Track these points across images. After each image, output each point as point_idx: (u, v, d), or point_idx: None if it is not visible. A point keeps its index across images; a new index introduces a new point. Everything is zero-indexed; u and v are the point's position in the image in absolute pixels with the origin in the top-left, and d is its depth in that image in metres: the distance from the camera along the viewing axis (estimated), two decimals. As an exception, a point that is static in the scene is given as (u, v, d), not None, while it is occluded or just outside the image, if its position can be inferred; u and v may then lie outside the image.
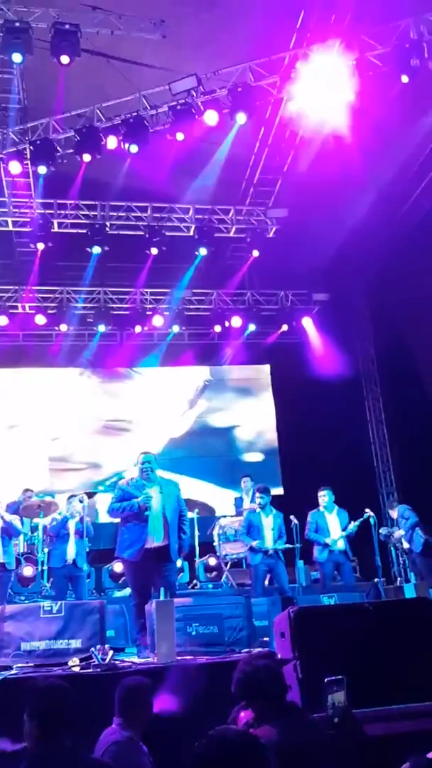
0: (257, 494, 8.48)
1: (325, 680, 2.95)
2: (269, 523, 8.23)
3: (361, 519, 8.42)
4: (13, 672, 4.66)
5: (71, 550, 7.89)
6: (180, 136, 9.42)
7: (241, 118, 9.22)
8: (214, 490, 12.43)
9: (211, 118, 9.27)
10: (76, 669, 4.69)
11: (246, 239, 11.77)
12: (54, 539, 8.13)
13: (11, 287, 12.15)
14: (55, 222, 11.22)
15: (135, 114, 9.48)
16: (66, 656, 4.85)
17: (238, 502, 10.32)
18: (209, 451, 12.91)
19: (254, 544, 8.14)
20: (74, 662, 4.75)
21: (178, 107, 9.35)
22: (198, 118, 9.34)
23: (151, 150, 9.56)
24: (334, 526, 8.45)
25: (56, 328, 12.46)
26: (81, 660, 4.79)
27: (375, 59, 8.72)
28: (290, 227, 11.61)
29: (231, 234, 11.88)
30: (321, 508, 8.53)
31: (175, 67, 9.15)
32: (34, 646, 4.90)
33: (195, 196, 11.08)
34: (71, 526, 8.01)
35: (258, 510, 8.39)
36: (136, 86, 9.46)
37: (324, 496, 8.54)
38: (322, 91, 8.87)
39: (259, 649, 4.19)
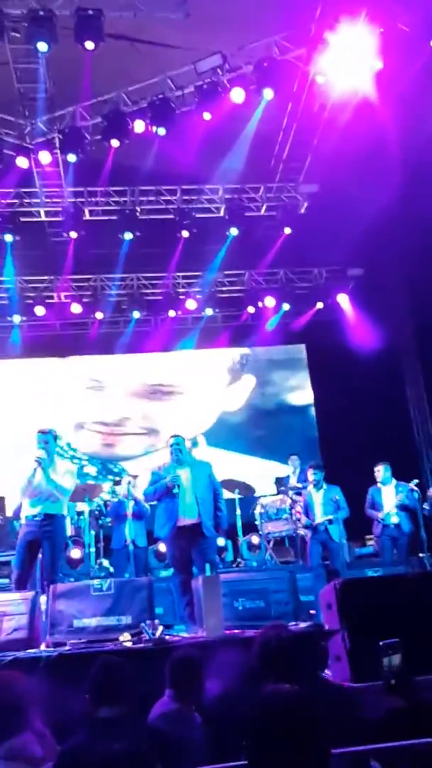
0: (310, 471, 8.48)
1: (381, 643, 2.97)
2: (319, 498, 8.26)
3: (407, 491, 8.37)
4: (67, 648, 4.78)
5: (129, 531, 8.16)
6: (207, 116, 9.39)
7: (268, 93, 9.14)
8: (259, 468, 12.43)
9: (237, 95, 9.21)
10: (128, 644, 4.78)
11: (277, 217, 11.68)
12: (113, 521, 8.40)
13: (46, 277, 12.30)
14: (86, 210, 11.31)
15: (161, 96, 9.48)
16: (117, 632, 4.94)
17: (285, 480, 10.32)
18: (255, 430, 12.92)
19: (304, 520, 8.23)
20: (125, 637, 4.85)
21: (204, 86, 9.31)
22: (224, 97, 9.29)
23: (179, 132, 9.55)
24: (388, 501, 8.42)
25: (92, 316, 12.58)
26: (132, 635, 4.88)
27: (403, 26, 8.54)
28: (322, 202, 11.48)
29: (262, 212, 11.80)
30: (378, 484, 8.52)
31: (200, 46, 9.10)
32: (86, 623, 5.01)
33: (224, 176, 11.03)
34: (128, 507, 8.28)
35: (310, 488, 8.43)
36: (161, 68, 9.45)
37: (378, 471, 8.51)
38: (350, 61, 8.73)
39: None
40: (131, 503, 8.29)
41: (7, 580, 7.79)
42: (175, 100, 9.58)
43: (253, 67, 9.21)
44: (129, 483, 8.59)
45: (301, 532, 9.02)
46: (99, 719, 2.83)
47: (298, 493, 9.36)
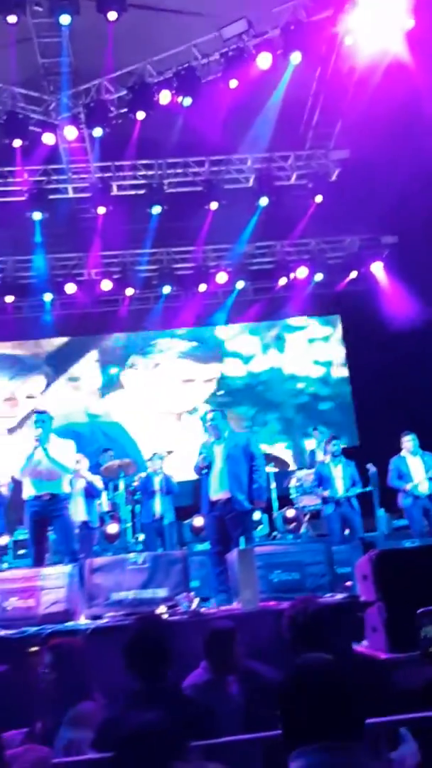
0: (331, 442, 8.42)
1: (417, 612, 2.93)
2: (339, 472, 8.20)
3: None
4: (105, 620, 4.84)
5: (158, 506, 8.19)
6: (233, 83, 9.21)
7: (295, 57, 8.91)
8: (289, 443, 12.42)
9: (264, 60, 9.00)
10: (164, 617, 4.82)
11: (308, 185, 11.43)
12: (142, 496, 8.44)
13: (75, 255, 12.28)
14: (114, 185, 11.22)
15: (186, 65, 9.32)
16: (153, 605, 4.98)
17: (311, 454, 10.27)
18: (283, 403, 12.86)
19: (325, 494, 8.16)
20: (162, 610, 4.89)
21: (230, 53, 9.12)
22: (251, 63, 9.08)
23: (205, 101, 9.41)
24: (417, 471, 8.29)
25: (122, 292, 12.56)
26: (168, 608, 4.92)
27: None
28: (353, 169, 11.19)
29: (292, 181, 11.57)
30: (403, 454, 8.40)
31: (224, 12, 8.88)
32: (123, 595, 5.06)
33: (252, 145, 10.82)
34: (156, 482, 8.28)
35: (327, 461, 8.36)
36: (186, 36, 9.26)
37: (408, 441, 8.38)
38: (380, 20, 8.44)
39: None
40: (158, 478, 8.26)
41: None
42: (201, 69, 9.41)
43: (280, 31, 8.97)
44: (156, 456, 8.56)
45: (313, 502, 9.01)
46: (136, 690, 2.86)
47: (311, 466, 9.34)
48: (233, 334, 13.31)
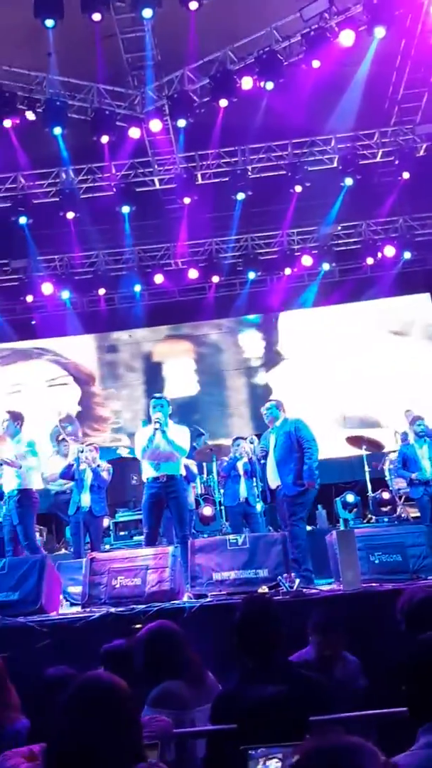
0: (415, 423, 8.27)
1: None
2: (425, 453, 8.04)
3: None
4: (208, 599, 5.02)
5: (243, 490, 8.25)
6: (316, 64, 9.11)
7: (379, 32, 8.71)
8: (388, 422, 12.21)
9: (347, 38, 8.85)
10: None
11: (394, 162, 11.17)
12: (226, 480, 8.54)
13: (163, 245, 12.53)
14: (198, 174, 11.35)
15: (267, 49, 9.28)
16: (255, 585, 5.12)
17: (404, 435, 10.11)
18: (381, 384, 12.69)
19: (413, 476, 8.02)
20: (263, 590, 5.01)
21: (312, 33, 9.02)
22: (333, 42, 8.95)
23: (288, 84, 9.33)
24: (425, 458, 8.09)
25: (208, 280, 12.72)
26: (269, 588, 5.04)
27: None
28: (442, 142, 10.86)
29: (378, 159, 11.32)
30: (411, 441, 8.33)
31: (304, -9, 8.78)
32: (225, 576, 5.23)
33: (337, 125, 10.65)
34: (239, 466, 8.34)
35: (412, 442, 8.22)
36: (266, 20, 9.22)
37: (418, 426, 8.18)
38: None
39: None
40: (242, 462, 8.29)
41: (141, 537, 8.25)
42: (282, 52, 9.36)
43: (362, 6, 8.79)
44: (245, 441, 8.61)
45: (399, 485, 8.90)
46: (250, 666, 2.96)
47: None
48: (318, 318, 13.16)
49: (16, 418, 6.93)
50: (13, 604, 5.26)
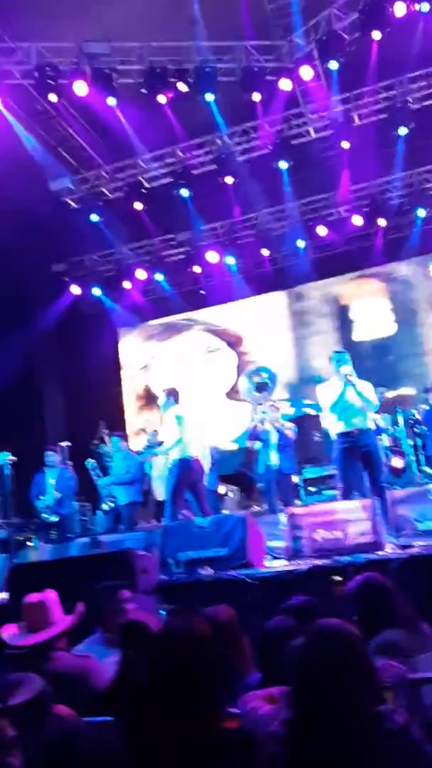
0: None
1: None
2: None
3: None
4: (416, 549, 4.94)
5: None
6: None
7: None
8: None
9: None
10: None
11: None
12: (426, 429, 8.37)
13: (322, 196, 12.20)
14: (355, 116, 10.87)
15: (419, -33, 8.60)
16: (464, 533, 4.97)
17: None
18: None
19: None
20: (474, 538, 4.85)
21: None
22: None
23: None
24: None
25: (375, 225, 12.23)
26: None
27: None
28: None
29: None
30: None
31: None
32: (430, 526, 5.12)
33: None
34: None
35: None
36: None
37: None
38: None
39: None
40: None
41: (334, 491, 8.28)
42: (437, -34, 8.62)
43: None
44: None
45: None
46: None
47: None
48: None
49: (170, 394, 7.34)
50: (222, 559, 5.54)
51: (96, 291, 13.20)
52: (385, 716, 1.86)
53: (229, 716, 2.18)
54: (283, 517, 6.44)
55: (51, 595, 2.98)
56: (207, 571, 5.40)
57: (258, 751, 2.00)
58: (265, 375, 11.49)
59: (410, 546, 5.07)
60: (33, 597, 2.89)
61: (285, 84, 9.98)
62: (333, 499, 7.38)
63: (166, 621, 3.15)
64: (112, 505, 8.48)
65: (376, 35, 9.08)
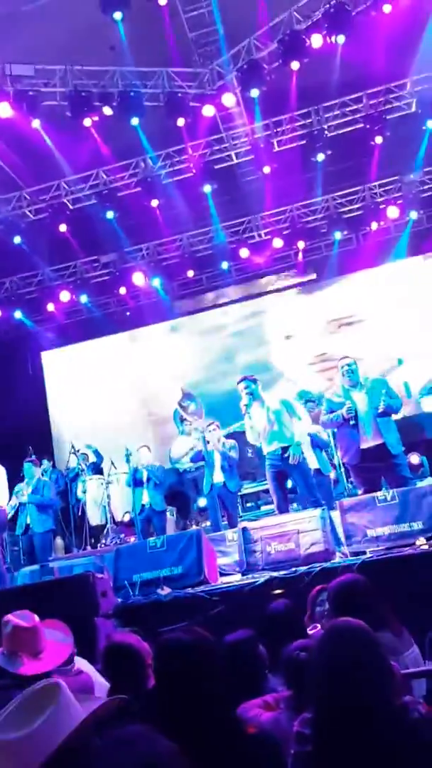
0: None
1: None
2: None
3: None
4: (368, 555, 5.14)
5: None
6: (387, 8, 8.84)
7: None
8: None
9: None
10: (425, 547, 5.02)
11: None
12: None
13: (244, 218, 12.54)
14: (275, 141, 11.25)
15: (334, 2, 9.07)
16: (411, 537, 5.18)
17: None
18: None
19: None
20: (421, 541, 5.08)
21: (379, -22, 8.75)
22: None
23: (360, 35, 9.11)
24: None
25: (293, 246, 12.67)
26: (427, 539, 5.10)
27: None
28: None
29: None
30: None
31: None
32: (379, 531, 5.32)
33: (422, 69, 10.25)
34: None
35: None
36: (330, -28, 9.02)
37: None
38: None
39: None
40: None
41: (270, 506, 8.44)
42: (350, 2, 9.12)
43: None
44: None
45: None
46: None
47: None
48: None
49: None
50: (178, 578, 5.56)
51: (17, 314, 12.96)
52: (408, 707, 1.96)
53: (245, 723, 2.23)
54: (230, 534, 6.54)
55: (36, 618, 2.92)
56: (164, 591, 5.39)
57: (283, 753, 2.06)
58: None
59: (362, 552, 5.26)
60: (19, 621, 2.82)
61: (208, 110, 10.22)
62: (271, 513, 7.53)
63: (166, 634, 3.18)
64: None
65: (295, 65, 9.47)
